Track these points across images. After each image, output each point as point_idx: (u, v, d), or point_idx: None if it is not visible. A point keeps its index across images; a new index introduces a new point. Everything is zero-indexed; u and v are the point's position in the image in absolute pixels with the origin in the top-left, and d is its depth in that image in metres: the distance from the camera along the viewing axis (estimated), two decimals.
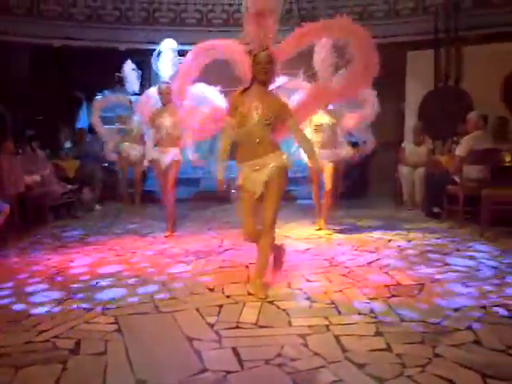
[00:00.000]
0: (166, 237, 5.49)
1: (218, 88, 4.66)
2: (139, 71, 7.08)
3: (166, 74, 5.63)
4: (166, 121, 5.47)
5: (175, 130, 5.45)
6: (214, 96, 4.65)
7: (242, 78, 3.63)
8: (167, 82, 5.50)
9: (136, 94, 7.02)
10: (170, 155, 5.50)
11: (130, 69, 7.03)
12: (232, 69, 3.91)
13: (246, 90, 3.36)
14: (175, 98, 4.82)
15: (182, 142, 5.44)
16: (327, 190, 5.52)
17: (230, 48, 3.91)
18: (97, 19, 9.02)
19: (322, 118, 5.46)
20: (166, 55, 5.69)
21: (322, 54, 4.83)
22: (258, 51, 3.29)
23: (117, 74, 7.06)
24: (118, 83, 7.38)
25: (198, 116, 4.32)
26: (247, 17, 3.45)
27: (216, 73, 4.28)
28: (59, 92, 9.10)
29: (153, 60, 5.75)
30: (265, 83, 3.32)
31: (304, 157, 5.43)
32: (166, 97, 5.47)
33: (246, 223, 3.41)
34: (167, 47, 5.73)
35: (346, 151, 6.73)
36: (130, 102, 7.11)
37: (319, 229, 5.70)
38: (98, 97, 7.27)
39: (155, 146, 5.62)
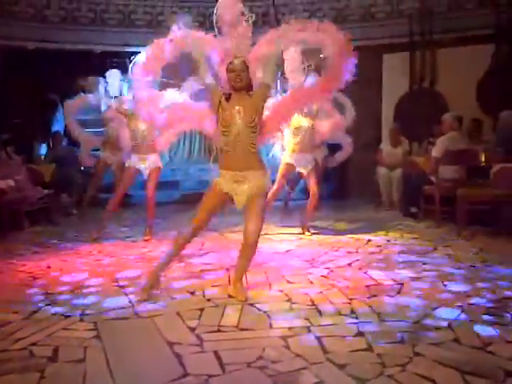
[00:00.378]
0: (146, 240, 5.45)
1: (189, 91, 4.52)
2: (122, 75, 7.00)
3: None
4: (142, 125, 5.35)
5: (149, 136, 5.39)
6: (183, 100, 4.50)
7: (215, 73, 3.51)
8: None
9: (115, 97, 6.95)
10: (148, 162, 5.43)
11: (113, 72, 6.96)
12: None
13: (227, 97, 3.30)
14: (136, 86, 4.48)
15: (156, 145, 5.41)
16: (313, 194, 5.54)
17: (202, 40, 3.56)
18: (71, 21, 8.91)
19: (300, 120, 5.47)
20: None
21: (291, 59, 4.93)
22: (232, 60, 3.27)
23: (99, 77, 6.92)
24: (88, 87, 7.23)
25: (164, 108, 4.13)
26: (220, 27, 3.42)
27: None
28: (34, 95, 8.96)
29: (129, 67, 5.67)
30: (241, 90, 3.28)
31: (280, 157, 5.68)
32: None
33: (200, 217, 3.42)
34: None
35: (323, 153, 6.81)
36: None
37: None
38: (70, 100, 7.03)
39: (132, 152, 5.49)
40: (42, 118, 9.37)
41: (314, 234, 5.63)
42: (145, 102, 3.54)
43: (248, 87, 3.32)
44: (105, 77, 6.63)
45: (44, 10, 8.72)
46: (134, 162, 5.44)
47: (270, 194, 5.30)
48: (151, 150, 5.45)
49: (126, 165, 5.57)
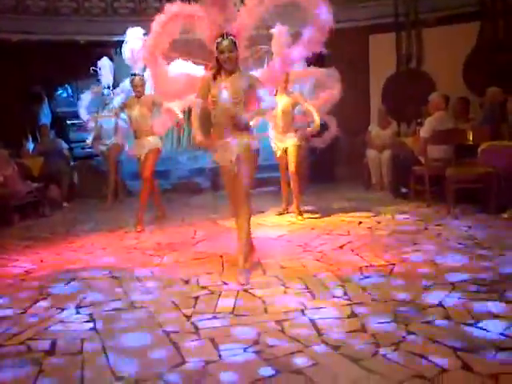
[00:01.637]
0: (138, 232, 5.39)
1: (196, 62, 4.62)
2: (112, 64, 7.05)
3: (136, 65, 5.52)
4: (136, 112, 5.43)
5: (145, 121, 5.42)
6: (193, 69, 4.62)
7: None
8: (139, 74, 5.44)
9: (109, 88, 7.01)
10: (146, 146, 5.46)
11: (106, 63, 6.98)
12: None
13: (215, 75, 3.46)
14: (146, 62, 4.62)
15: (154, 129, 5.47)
16: (291, 171, 5.58)
17: (197, 13, 3.80)
18: (54, 12, 8.76)
19: (282, 99, 5.51)
20: (134, 45, 5.55)
21: (278, 34, 5.03)
22: (220, 39, 3.33)
23: (92, 67, 7.07)
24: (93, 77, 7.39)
25: (172, 81, 4.25)
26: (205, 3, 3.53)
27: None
28: (19, 88, 8.83)
29: (122, 51, 5.70)
30: (231, 70, 3.40)
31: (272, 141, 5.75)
32: (139, 89, 5.43)
33: (229, 198, 3.67)
34: (134, 36, 5.61)
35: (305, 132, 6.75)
36: (103, 94, 7.09)
37: (281, 213, 5.89)
38: (85, 92, 7.38)
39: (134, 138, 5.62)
40: (27, 111, 9.25)
41: (305, 218, 5.64)
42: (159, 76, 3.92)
43: (237, 65, 3.44)
44: (95, 66, 6.66)
45: (25, 0, 8.57)
46: (135, 148, 5.58)
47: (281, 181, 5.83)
48: (148, 134, 5.47)
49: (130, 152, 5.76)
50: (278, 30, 5.05)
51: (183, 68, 4.63)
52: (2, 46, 8.30)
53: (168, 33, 4.09)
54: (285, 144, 5.64)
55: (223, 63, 3.37)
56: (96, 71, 7.11)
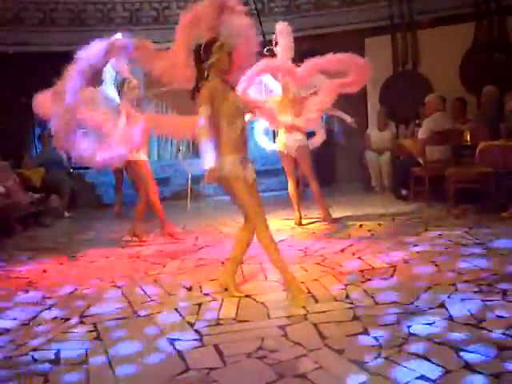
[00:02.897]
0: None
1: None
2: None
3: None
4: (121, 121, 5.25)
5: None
6: None
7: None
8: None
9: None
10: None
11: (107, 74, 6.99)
12: None
13: (213, 83, 3.17)
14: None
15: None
16: (308, 173, 5.47)
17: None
18: (50, 23, 8.82)
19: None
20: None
21: (282, 38, 5.27)
22: (222, 41, 3.21)
23: None
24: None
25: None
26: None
27: None
28: (16, 99, 8.86)
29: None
30: (227, 75, 3.27)
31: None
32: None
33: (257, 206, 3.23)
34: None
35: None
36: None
37: (300, 224, 5.52)
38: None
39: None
40: (23, 122, 9.25)
41: (306, 222, 5.64)
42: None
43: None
44: None
45: (21, 12, 8.62)
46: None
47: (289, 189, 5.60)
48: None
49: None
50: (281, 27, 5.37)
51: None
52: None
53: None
54: (294, 144, 5.39)
55: (227, 65, 3.21)
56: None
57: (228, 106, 3.13)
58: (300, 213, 5.61)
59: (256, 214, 3.19)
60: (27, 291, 3.82)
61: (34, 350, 2.68)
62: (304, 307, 2.98)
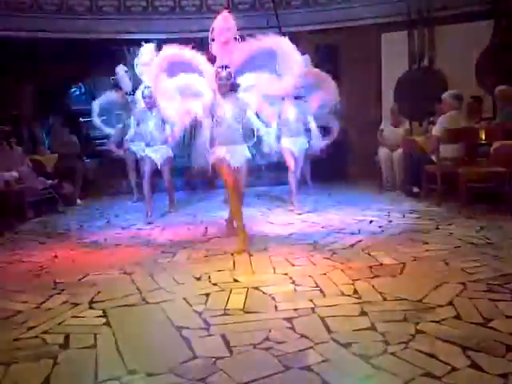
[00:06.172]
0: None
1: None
2: (128, 72, 7.11)
3: (149, 80, 5.47)
4: (150, 126, 5.77)
5: (158, 133, 5.78)
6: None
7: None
8: (149, 87, 5.45)
9: (129, 94, 7.11)
10: (161, 154, 5.86)
11: (122, 71, 7.08)
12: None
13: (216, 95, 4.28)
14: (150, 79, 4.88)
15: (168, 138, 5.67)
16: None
17: (195, 59, 4.32)
18: (67, 10, 8.86)
19: (289, 112, 5.89)
20: (146, 59, 5.75)
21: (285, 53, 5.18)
22: (220, 70, 4.21)
23: (111, 77, 7.21)
24: (114, 86, 7.55)
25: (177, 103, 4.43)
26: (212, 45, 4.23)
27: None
28: (33, 86, 8.94)
29: (134, 63, 6.07)
30: (227, 92, 4.28)
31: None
32: (149, 101, 5.62)
33: (233, 190, 4.41)
34: (146, 51, 5.84)
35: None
36: (127, 101, 7.15)
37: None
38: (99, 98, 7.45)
39: (146, 145, 5.93)
40: (41, 109, 9.34)
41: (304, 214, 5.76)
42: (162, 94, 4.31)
43: (232, 89, 4.29)
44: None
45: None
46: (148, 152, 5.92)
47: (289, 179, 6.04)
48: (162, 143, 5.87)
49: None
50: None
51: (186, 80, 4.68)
52: (15, 44, 8.41)
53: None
54: (298, 147, 6.01)
55: (220, 88, 4.25)
56: (115, 80, 7.23)
57: (217, 115, 4.28)
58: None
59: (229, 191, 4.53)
60: (38, 276, 3.87)
61: (45, 332, 2.72)
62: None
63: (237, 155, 4.36)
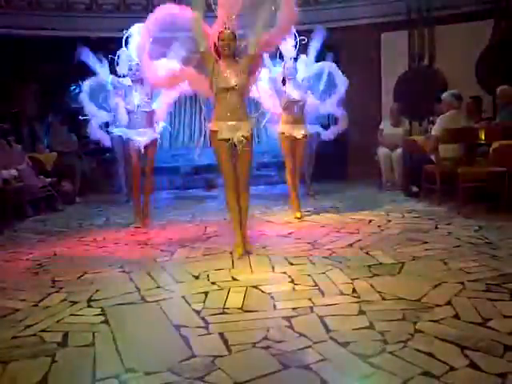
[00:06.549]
0: (137, 228, 5.41)
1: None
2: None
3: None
4: (136, 99, 5.30)
5: (146, 107, 5.34)
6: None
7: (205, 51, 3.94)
8: (137, 63, 5.15)
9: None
10: (146, 136, 5.35)
11: (124, 55, 6.81)
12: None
13: (216, 60, 3.93)
14: (139, 54, 4.51)
15: (155, 117, 5.41)
16: (300, 164, 5.75)
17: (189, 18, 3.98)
18: (67, 8, 8.85)
19: (292, 94, 5.55)
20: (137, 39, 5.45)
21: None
22: (222, 29, 3.86)
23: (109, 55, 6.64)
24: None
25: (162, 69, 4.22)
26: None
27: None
28: (35, 84, 8.93)
29: (123, 44, 5.60)
30: (229, 56, 3.93)
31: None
32: (133, 74, 5.31)
33: (228, 177, 3.98)
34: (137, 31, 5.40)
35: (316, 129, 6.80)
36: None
37: (299, 217, 5.51)
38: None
39: (128, 126, 5.45)
40: (40, 106, 9.33)
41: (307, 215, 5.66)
42: (148, 66, 4.15)
43: (235, 54, 3.95)
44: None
45: None
46: (132, 136, 5.38)
47: (286, 176, 5.62)
48: (149, 124, 5.39)
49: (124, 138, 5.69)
50: None
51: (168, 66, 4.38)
52: (16, 42, 8.41)
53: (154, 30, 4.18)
54: (298, 133, 5.56)
55: (223, 50, 3.88)
56: (113, 59, 6.68)
57: (217, 83, 3.86)
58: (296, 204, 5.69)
59: (224, 178, 4.02)
60: (37, 273, 3.86)
61: (43, 331, 2.71)
62: (309, 300, 3.00)
63: (240, 133, 3.89)
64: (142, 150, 5.35)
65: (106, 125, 7.14)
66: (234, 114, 3.89)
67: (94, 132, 7.05)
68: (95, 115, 6.97)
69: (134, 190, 5.59)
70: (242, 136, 3.88)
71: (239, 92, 3.90)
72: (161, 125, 5.71)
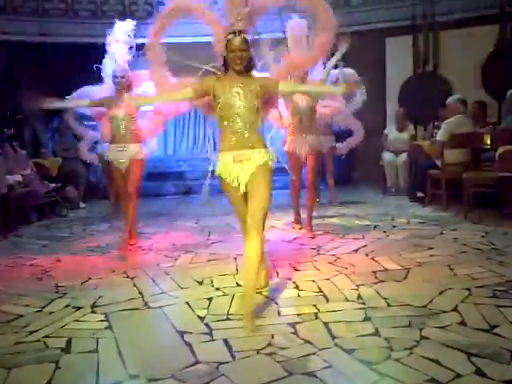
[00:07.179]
0: (130, 249, 4.74)
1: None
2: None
3: (122, 59, 4.86)
4: (120, 112, 4.62)
5: (131, 122, 4.67)
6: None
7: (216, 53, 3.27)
8: (123, 67, 4.75)
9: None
10: (128, 153, 4.66)
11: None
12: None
13: (219, 77, 3.00)
14: (149, 56, 3.86)
15: (141, 134, 4.79)
16: (309, 183, 5.01)
17: (206, 16, 3.50)
18: (73, 14, 8.91)
19: (299, 99, 4.92)
20: (121, 39, 4.95)
21: (294, 31, 4.76)
22: (231, 36, 2.86)
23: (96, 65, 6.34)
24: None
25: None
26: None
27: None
28: (39, 90, 8.95)
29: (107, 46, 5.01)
30: (241, 72, 2.92)
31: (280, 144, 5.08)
32: (121, 81, 4.64)
33: (241, 217, 3.07)
34: (121, 30, 5.01)
35: (331, 142, 6.66)
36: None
37: (300, 228, 5.24)
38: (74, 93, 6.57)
39: (110, 142, 4.77)
40: (45, 112, 9.34)
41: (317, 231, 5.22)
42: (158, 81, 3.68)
43: (249, 68, 2.97)
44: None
45: (45, 3, 8.72)
46: (112, 154, 4.74)
47: (291, 190, 5.22)
48: (133, 140, 4.70)
49: (106, 158, 4.91)
50: (294, 22, 4.82)
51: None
52: (22, 48, 8.45)
53: (169, 24, 3.75)
54: (307, 146, 4.91)
55: (233, 64, 2.87)
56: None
57: (220, 104, 2.90)
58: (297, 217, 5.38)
59: (239, 221, 3.14)
60: (41, 279, 3.86)
61: (46, 336, 2.71)
62: (315, 305, 2.97)
63: (250, 167, 2.91)
64: (123, 170, 4.71)
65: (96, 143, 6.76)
66: (240, 141, 2.90)
67: (84, 154, 6.74)
68: (85, 136, 6.67)
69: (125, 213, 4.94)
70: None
71: (248, 114, 2.90)
72: (151, 145, 5.16)
